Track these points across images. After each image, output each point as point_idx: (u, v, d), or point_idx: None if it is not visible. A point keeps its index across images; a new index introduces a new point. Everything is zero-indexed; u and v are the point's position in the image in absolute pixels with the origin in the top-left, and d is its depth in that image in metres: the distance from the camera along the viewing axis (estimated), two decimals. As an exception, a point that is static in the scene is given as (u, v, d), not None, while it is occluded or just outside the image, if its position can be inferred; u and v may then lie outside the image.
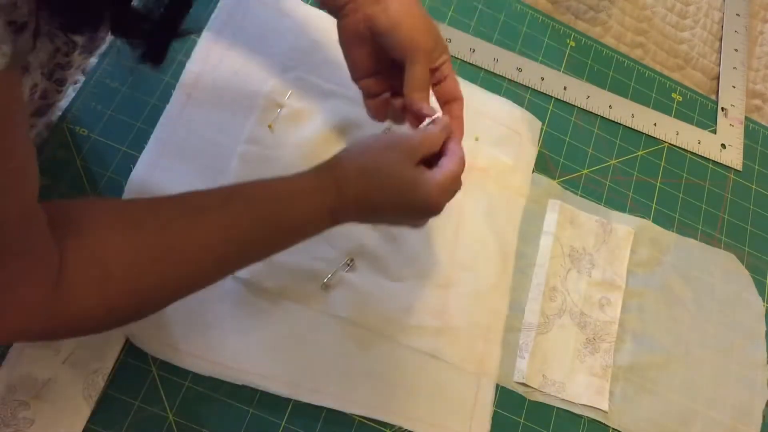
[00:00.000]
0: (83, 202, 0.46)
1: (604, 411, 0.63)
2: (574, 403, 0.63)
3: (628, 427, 0.63)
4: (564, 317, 0.65)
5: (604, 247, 0.69)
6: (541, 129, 0.74)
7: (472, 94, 0.72)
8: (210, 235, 0.45)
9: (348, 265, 0.61)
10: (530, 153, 0.71)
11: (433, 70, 0.55)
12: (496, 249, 0.66)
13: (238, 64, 0.65)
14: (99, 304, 0.41)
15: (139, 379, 0.55)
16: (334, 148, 0.65)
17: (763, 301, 0.72)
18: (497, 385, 0.62)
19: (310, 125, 0.65)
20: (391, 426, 0.58)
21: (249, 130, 0.63)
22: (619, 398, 0.64)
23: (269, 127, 0.64)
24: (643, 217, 0.72)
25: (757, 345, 0.70)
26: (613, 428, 0.63)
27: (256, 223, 0.47)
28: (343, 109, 0.65)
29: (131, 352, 0.55)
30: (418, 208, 0.50)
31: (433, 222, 0.63)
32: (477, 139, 0.69)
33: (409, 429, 0.58)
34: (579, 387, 0.63)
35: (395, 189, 0.49)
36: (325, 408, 0.57)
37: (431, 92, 0.55)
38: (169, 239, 0.44)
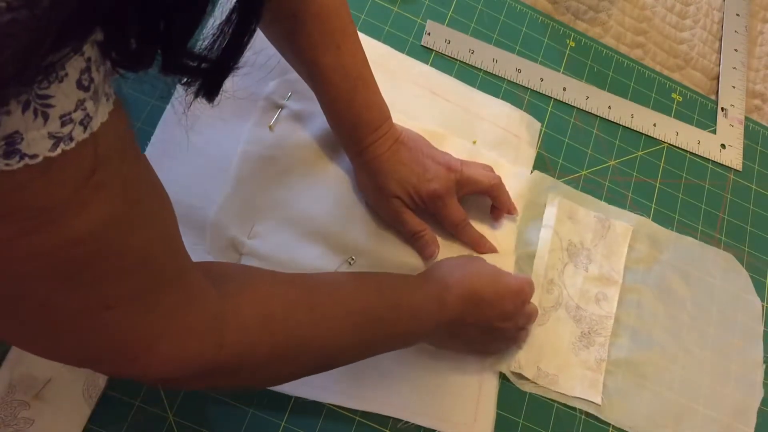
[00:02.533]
0: (241, 266, 0.51)
1: (597, 404, 0.63)
2: (567, 395, 0.63)
3: (621, 421, 0.64)
4: (560, 310, 0.66)
5: (602, 243, 0.69)
6: (541, 130, 0.74)
7: (469, 97, 0.72)
8: (349, 302, 0.50)
9: (349, 263, 0.61)
10: (529, 155, 0.72)
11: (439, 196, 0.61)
12: (496, 248, 0.66)
13: (239, 65, 0.65)
14: (263, 341, 0.44)
15: (139, 379, 0.55)
16: (334, 148, 0.65)
17: (763, 302, 0.72)
18: (500, 381, 0.62)
19: (310, 126, 0.65)
20: (392, 424, 0.59)
21: (249, 131, 0.64)
22: (613, 392, 0.64)
23: (269, 127, 0.64)
24: (642, 215, 0.73)
25: (754, 344, 0.70)
26: (610, 425, 0.64)
27: (384, 304, 0.52)
28: None
29: (131, 352, 0.55)
30: (512, 287, 0.58)
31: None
32: (474, 142, 0.70)
33: (415, 423, 0.59)
34: (573, 380, 0.64)
35: (489, 276, 0.58)
36: (325, 407, 0.57)
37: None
38: (318, 297, 0.48)
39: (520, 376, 0.63)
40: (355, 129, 0.59)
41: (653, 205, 0.74)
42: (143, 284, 0.36)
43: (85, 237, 0.32)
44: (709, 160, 0.79)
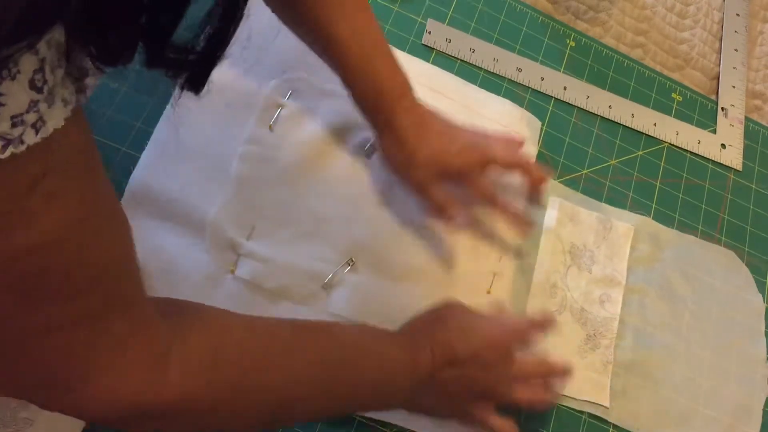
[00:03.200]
0: (196, 303, 0.46)
1: (604, 407, 0.63)
2: (574, 398, 0.63)
3: (627, 423, 0.63)
4: (564, 314, 0.66)
5: (604, 244, 0.69)
6: (541, 129, 0.74)
7: (470, 95, 0.72)
8: (310, 347, 0.47)
9: (349, 265, 0.61)
10: (530, 153, 0.71)
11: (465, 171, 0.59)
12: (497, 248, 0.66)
13: (239, 64, 0.65)
14: (211, 383, 0.40)
15: (139, 379, 0.54)
16: (334, 148, 0.65)
17: (764, 300, 0.72)
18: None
19: (311, 125, 0.65)
20: (393, 426, 0.58)
21: (249, 131, 0.63)
22: (620, 394, 0.64)
23: (269, 127, 0.64)
24: (643, 215, 0.72)
25: (757, 343, 0.70)
26: (613, 424, 0.63)
27: (350, 351, 0.49)
28: (343, 109, 0.65)
29: (131, 352, 0.55)
30: (487, 338, 0.54)
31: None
32: None
33: (413, 429, 0.58)
34: (579, 383, 0.63)
35: (459, 330, 0.54)
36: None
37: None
38: (277, 342, 0.45)
39: None
40: (380, 97, 0.57)
41: (654, 205, 0.74)
42: (91, 307, 0.34)
43: (32, 250, 0.30)
44: (709, 159, 0.79)
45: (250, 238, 0.60)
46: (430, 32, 0.74)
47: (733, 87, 0.84)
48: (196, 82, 0.33)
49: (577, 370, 0.64)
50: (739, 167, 0.79)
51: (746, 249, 0.75)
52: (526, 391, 0.55)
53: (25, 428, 0.51)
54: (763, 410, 0.67)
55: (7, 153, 0.27)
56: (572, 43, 0.80)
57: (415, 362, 0.51)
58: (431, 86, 0.70)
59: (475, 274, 0.65)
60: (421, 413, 0.55)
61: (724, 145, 0.80)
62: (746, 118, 0.83)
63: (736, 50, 0.87)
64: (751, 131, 0.83)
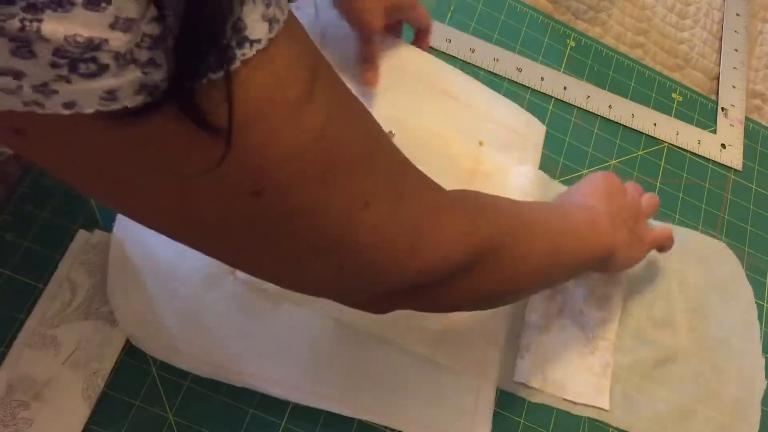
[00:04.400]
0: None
1: (605, 410, 0.63)
2: (574, 403, 0.63)
3: (628, 425, 0.63)
4: (564, 317, 0.65)
5: None
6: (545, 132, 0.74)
7: (479, 97, 0.72)
8: (550, 214, 0.53)
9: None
10: (535, 158, 0.71)
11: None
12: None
13: None
14: (515, 221, 0.46)
15: (139, 379, 0.55)
16: None
17: (763, 302, 0.72)
18: (498, 389, 0.61)
19: None
20: (392, 430, 0.58)
21: None
22: (619, 396, 0.64)
23: None
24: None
25: (750, 335, 0.70)
26: (613, 428, 0.63)
27: (571, 224, 0.54)
28: None
29: (131, 352, 0.55)
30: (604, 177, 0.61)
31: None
32: (482, 143, 0.69)
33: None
34: (579, 386, 0.63)
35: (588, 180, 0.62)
36: (325, 410, 0.57)
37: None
38: (526, 214, 0.50)
39: (526, 386, 0.62)
40: None
41: (654, 205, 0.74)
42: (393, 180, 0.36)
43: (323, 130, 0.30)
44: (709, 159, 0.79)
45: None
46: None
47: (733, 87, 0.84)
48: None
49: (577, 372, 0.64)
50: (739, 167, 0.79)
51: (746, 249, 0.75)
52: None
53: (24, 428, 0.51)
54: (764, 411, 0.67)
55: (274, 33, 0.27)
56: (572, 43, 0.80)
57: (592, 214, 0.56)
58: (438, 85, 0.70)
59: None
60: (619, 257, 0.58)
61: (724, 145, 0.80)
62: (746, 118, 0.83)
63: (736, 50, 0.87)
64: (751, 131, 0.83)
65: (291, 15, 0.30)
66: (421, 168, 0.40)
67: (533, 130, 0.72)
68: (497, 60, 0.75)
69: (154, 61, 0.24)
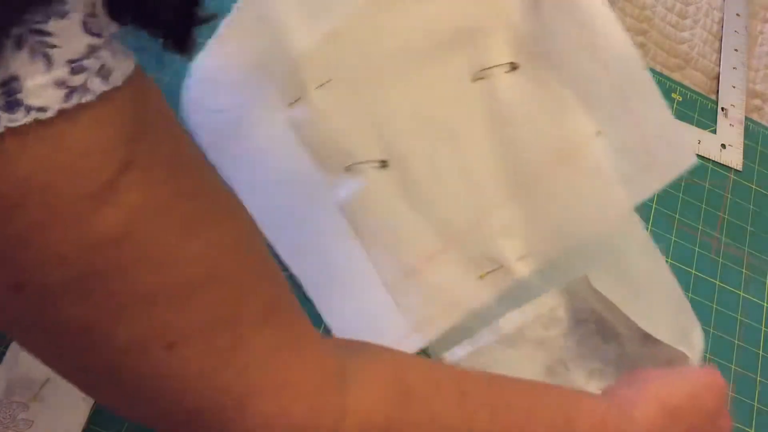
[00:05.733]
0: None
1: None
2: None
3: None
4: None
5: None
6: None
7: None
8: (508, 395, 0.38)
9: (381, 164, 0.58)
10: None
11: None
12: None
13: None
14: (401, 420, 0.33)
15: (138, 380, 0.54)
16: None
17: (763, 302, 0.72)
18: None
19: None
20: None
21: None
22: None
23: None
24: (642, 218, 0.72)
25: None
26: None
27: (552, 407, 0.39)
28: None
29: (131, 352, 0.55)
30: (702, 381, 0.44)
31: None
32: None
33: None
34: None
35: (673, 377, 0.44)
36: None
37: None
38: (469, 384, 0.37)
39: None
40: None
41: (654, 205, 0.74)
42: (217, 309, 0.27)
43: (120, 235, 0.24)
44: (709, 160, 0.79)
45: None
46: (430, 32, 0.74)
47: (733, 87, 0.84)
48: (180, 41, 0.27)
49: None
50: (739, 167, 0.79)
51: (746, 249, 0.75)
52: None
53: (24, 430, 0.51)
54: (760, 408, 0.67)
55: (72, 102, 0.22)
56: (572, 43, 0.80)
57: (628, 422, 0.40)
58: None
59: None
60: None
61: (724, 145, 0.80)
62: (746, 118, 0.83)
63: (736, 50, 0.87)
64: (751, 131, 0.83)
65: (138, 80, 0.25)
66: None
67: None
68: (497, 60, 0.75)
69: None
